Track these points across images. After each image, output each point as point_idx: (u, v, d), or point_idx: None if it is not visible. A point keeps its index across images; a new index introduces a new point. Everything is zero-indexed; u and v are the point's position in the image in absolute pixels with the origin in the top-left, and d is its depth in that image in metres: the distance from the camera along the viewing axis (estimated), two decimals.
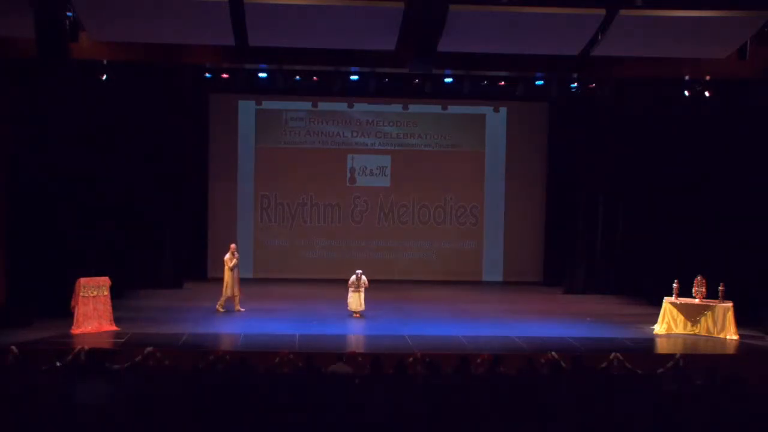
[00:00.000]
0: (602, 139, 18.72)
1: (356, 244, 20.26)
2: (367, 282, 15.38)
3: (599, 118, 18.54)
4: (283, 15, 12.02)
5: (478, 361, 10.90)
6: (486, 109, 20.43)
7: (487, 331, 14.07)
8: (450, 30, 12.18)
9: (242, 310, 15.46)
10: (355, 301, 15.35)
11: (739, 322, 14.15)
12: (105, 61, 14.39)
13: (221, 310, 15.37)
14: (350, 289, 15.38)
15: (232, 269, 15.38)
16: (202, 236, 19.75)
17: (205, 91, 19.07)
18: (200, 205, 19.72)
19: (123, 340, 12.88)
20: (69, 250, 14.98)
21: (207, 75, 15.72)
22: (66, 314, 13.46)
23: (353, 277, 15.37)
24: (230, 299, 15.46)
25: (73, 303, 13.39)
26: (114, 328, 13.53)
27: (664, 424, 7.79)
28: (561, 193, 19.66)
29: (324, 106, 20.11)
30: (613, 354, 12.02)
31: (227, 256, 15.52)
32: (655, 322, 14.65)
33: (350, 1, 12.02)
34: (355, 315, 15.38)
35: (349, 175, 20.48)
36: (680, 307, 14.44)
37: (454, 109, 20.26)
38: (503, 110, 20.47)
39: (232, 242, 15.99)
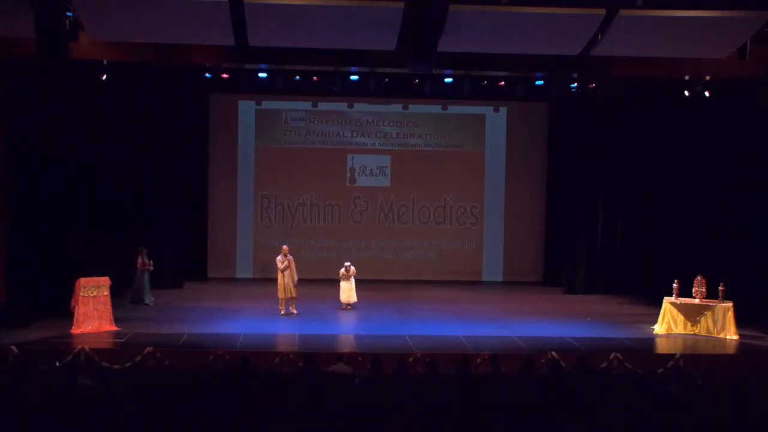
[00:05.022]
0: (602, 138, 18.73)
1: (356, 244, 20.26)
2: (354, 271, 15.89)
3: (599, 118, 18.54)
4: (283, 15, 12.01)
5: (478, 361, 10.92)
6: (486, 109, 20.43)
7: (487, 331, 14.07)
8: (450, 30, 12.18)
9: (295, 312, 15.31)
10: (346, 291, 15.80)
11: (739, 322, 14.15)
12: (105, 61, 14.38)
13: (282, 312, 15.29)
14: (341, 280, 15.86)
15: (282, 271, 15.26)
16: (202, 236, 19.76)
17: (205, 91, 19.05)
18: (200, 205, 19.71)
19: (123, 340, 12.90)
20: (69, 250, 14.98)
21: (207, 75, 15.75)
22: (66, 314, 13.48)
23: (342, 269, 15.92)
24: (288, 301, 15.32)
25: (73, 303, 13.40)
26: (114, 328, 13.53)
27: (664, 424, 7.79)
28: (561, 193, 19.66)
29: (324, 106, 20.11)
30: (613, 354, 12.06)
31: (279, 257, 15.44)
32: (655, 322, 14.65)
33: (350, 1, 12.01)
34: (345, 307, 15.73)
35: (349, 175, 20.48)
36: (680, 307, 14.44)
37: (454, 109, 20.26)
38: (503, 110, 20.47)
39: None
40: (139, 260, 16.06)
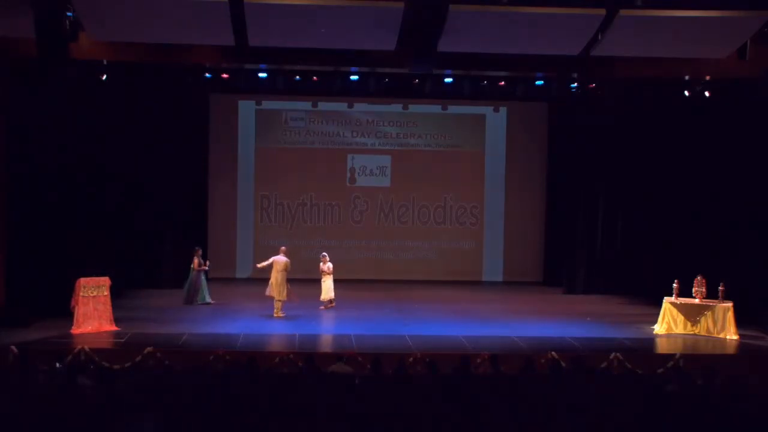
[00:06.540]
0: (602, 139, 18.73)
1: (356, 244, 20.26)
2: (331, 267, 15.87)
3: (599, 118, 18.54)
4: (283, 15, 12.02)
5: (478, 361, 10.92)
6: (486, 109, 20.43)
7: (487, 331, 14.07)
8: (450, 30, 12.18)
9: (277, 315, 15.01)
10: (328, 289, 15.83)
11: (739, 322, 14.15)
12: (105, 61, 14.40)
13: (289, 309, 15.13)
14: (323, 276, 15.89)
15: (285, 271, 15.12)
16: (202, 236, 19.73)
17: (205, 91, 19.03)
18: (200, 205, 19.69)
19: (123, 340, 12.90)
20: (69, 250, 14.98)
21: (207, 75, 15.75)
22: (66, 314, 13.47)
23: (321, 263, 15.98)
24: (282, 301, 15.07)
25: (73, 303, 13.40)
26: (114, 328, 13.53)
27: (664, 424, 7.79)
28: (561, 193, 19.66)
29: (324, 106, 20.11)
30: (613, 354, 12.06)
31: (282, 258, 15.24)
32: (655, 322, 14.65)
33: (350, 1, 12.02)
34: (327, 306, 15.75)
35: (349, 175, 20.48)
36: (680, 307, 14.44)
37: (454, 109, 20.26)
38: (503, 110, 20.47)
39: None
40: (195, 261, 16.17)
